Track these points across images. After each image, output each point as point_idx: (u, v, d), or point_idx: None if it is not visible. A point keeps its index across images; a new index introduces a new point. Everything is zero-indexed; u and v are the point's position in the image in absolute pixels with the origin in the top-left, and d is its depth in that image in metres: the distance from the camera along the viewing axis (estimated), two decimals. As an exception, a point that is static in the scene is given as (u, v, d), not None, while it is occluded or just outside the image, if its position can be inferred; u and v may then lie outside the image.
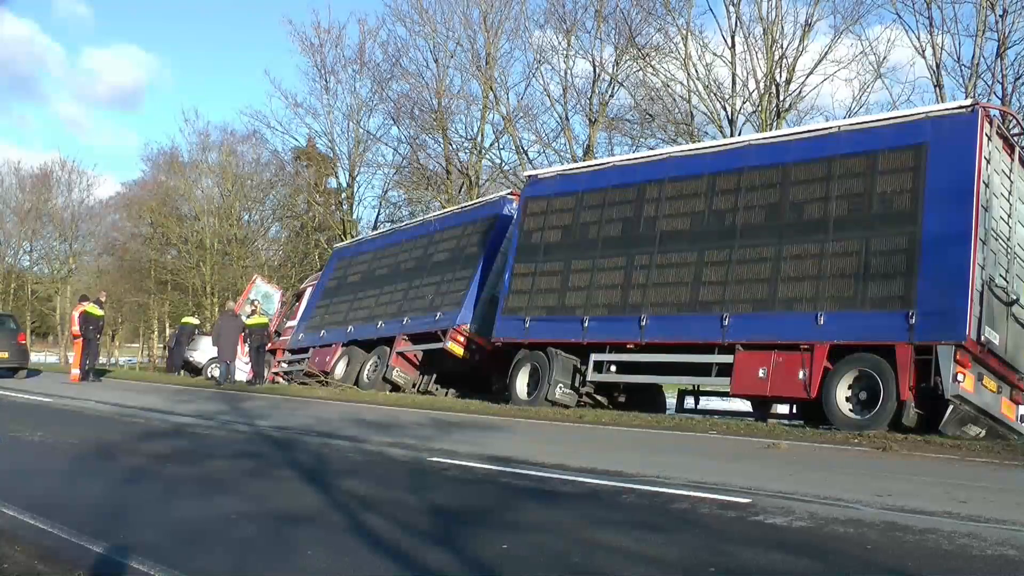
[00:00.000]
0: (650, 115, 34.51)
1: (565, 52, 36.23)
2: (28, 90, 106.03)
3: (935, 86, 27.87)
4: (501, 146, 40.65)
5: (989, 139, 13.83)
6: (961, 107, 14.19)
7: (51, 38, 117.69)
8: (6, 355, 27.38)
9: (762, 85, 31.02)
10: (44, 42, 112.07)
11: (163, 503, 8.69)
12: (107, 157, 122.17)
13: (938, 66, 27.69)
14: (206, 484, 9.80)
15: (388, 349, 23.21)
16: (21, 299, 56.76)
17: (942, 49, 27.66)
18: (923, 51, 28.10)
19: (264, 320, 26.89)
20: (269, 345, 27.33)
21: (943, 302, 13.24)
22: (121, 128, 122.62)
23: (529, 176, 21.34)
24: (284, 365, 28.80)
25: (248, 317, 27.06)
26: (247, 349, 26.96)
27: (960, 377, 13.15)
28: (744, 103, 31.92)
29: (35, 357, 41.08)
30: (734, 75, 31.62)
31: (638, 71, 34.57)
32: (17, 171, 58.48)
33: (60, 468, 11.02)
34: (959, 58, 27.56)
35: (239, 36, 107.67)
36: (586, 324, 17.69)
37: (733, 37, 31.49)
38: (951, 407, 13.43)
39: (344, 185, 46.38)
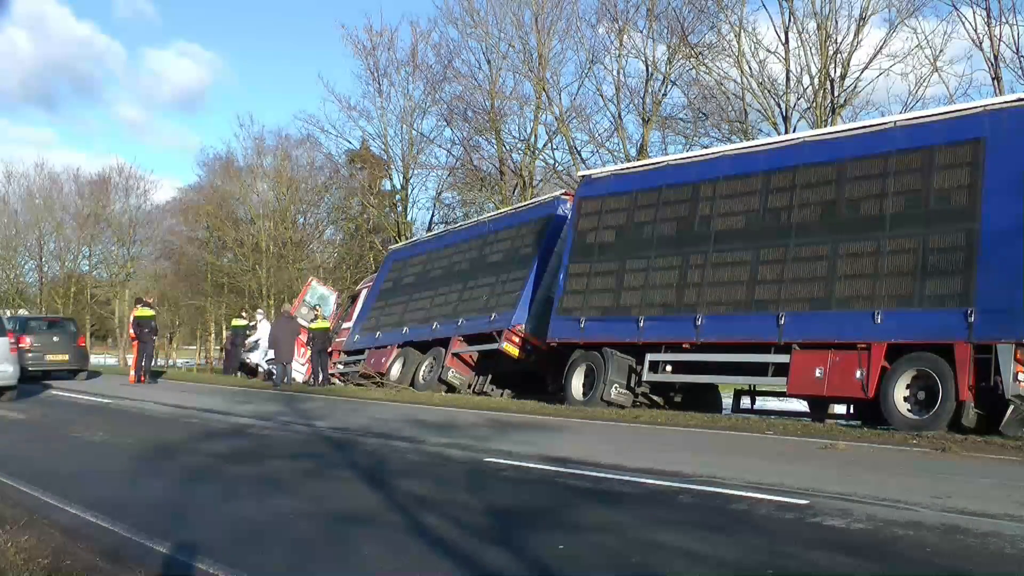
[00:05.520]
0: (704, 113, 34.30)
1: (617, 52, 36.17)
2: (89, 93, 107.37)
3: (993, 79, 27.33)
4: (554, 146, 40.54)
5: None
6: (1019, 99, 13.92)
7: (111, 38, 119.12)
8: (66, 358, 27.88)
9: (816, 81, 30.69)
10: (104, 43, 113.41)
11: (223, 503, 8.83)
12: (168, 159, 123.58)
13: (996, 58, 27.16)
14: (265, 484, 9.93)
15: (443, 350, 23.30)
16: (81, 303, 57.50)
17: (1000, 40, 27.18)
18: (980, 43, 27.65)
19: (326, 324, 27.17)
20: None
21: (1002, 300, 13.01)
22: (183, 129, 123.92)
23: (583, 176, 21.31)
24: (340, 366, 29.02)
25: (311, 322, 27.39)
26: (309, 352, 27.28)
27: (1021, 376, 12.94)
28: (798, 99, 31.60)
29: (95, 359, 41.75)
30: (788, 71, 31.30)
31: (691, 69, 34.38)
32: (76, 177, 59.40)
33: (121, 468, 11.22)
34: (1018, 49, 27.04)
35: (292, 41, 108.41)
36: (641, 324, 17.66)
37: (786, 33, 31.17)
38: (1012, 407, 13.20)
39: (398, 187, 46.55)
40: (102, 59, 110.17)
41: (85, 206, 57.30)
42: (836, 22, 30.38)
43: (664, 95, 35.67)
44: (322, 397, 22.08)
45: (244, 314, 35.96)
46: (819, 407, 16.24)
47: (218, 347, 56.21)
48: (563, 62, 58.26)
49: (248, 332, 32.71)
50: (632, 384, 18.21)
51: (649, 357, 17.64)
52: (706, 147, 29.08)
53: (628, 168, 20.65)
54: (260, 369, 31.11)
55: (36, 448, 13.57)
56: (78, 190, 58.78)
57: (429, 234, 35.21)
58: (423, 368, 24.16)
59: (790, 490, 8.68)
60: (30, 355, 27.16)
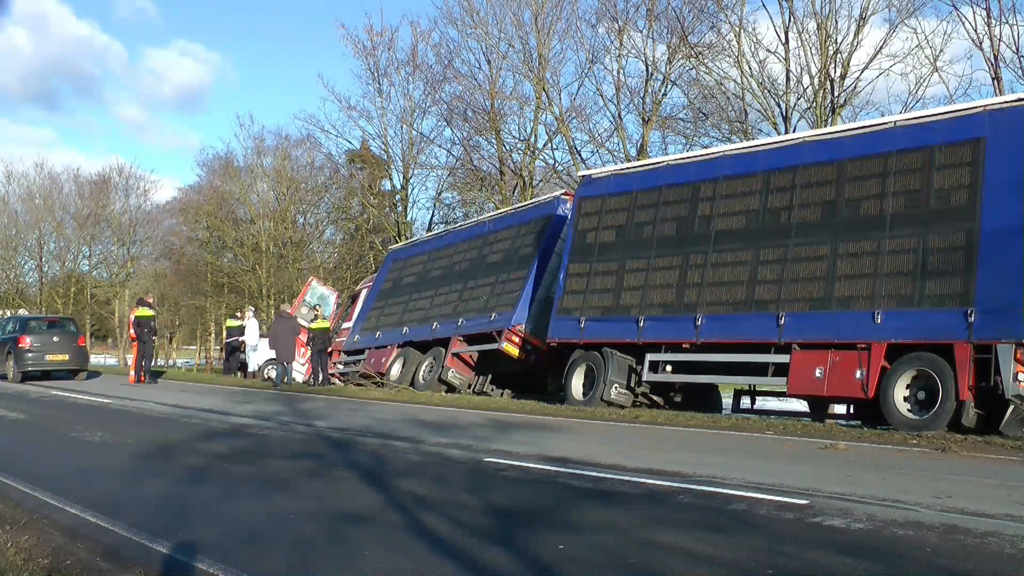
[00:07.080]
0: (704, 113, 34.28)
1: (617, 52, 36.14)
2: (89, 92, 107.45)
3: (993, 79, 27.29)
4: (554, 146, 40.47)
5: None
6: (1019, 99, 13.91)
7: (111, 37, 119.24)
8: (66, 357, 27.87)
9: (816, 81, 30.67)
10: (104, 42, 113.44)
11: (223, 502, 8.82)
12: (168, 159, 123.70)
13: (996, 58, 27.12)
14: (265, 484, 9.94)
15: (443, 350, 23.29)
16: (81, 303, 57.52)
17: (1000, 40, 27.15)
18: (980, 43, 27.62)
19: (326, 324, 27.22)
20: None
21: (1002, 300, 13.02)
22: (183, 129, 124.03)
23: (583, 176, 21.30)
24: (340, 366, 29.01)
25: (311, 322, 27.41)
26: (309, 352, 27.29)
27: (1021, 376, 12.93)
28: (798, 99, 31.59)
29: (95, 359, 41.78)
30: (788, 71, 31.26)
31: (691, 69, 34.38)
32: (76, 177, 59.36)
33: (121, 468, 11.22)
34: (1018, 49, 27.00)
35: (292, 41, 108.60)
36: (641, 324, 17.66)
37: (786, 33, 31.13)
38: (1011, 407, 13.20)
39: (398, 187, 46.49)
40: (102, 59, 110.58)
41: (85, 206, 57.24)
42: (836, 22, 30.37)
43: (664, 95, 35.66)
44: (322, 397, 22.08)
45: (239, 314, 35.95)
46: (819, 407, 16.23)
47: (218, 347, 56.16)
48: (563, 62, 58.45)
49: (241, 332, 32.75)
50: (632, 384, 18.21)
51: (649, 357, 17.63)
52: (706, 147, 29.08)
53: (628, 168, 20.63)
54: (256, 368, 31.03)
55: (36, 448, 13.58)
56: (78, 190, 58.79)
57: (429, 234, 35.18)
58: (423, 368, 24.15)
59: (790, 490, 8.68)
60: (30, 355, 27.22)
